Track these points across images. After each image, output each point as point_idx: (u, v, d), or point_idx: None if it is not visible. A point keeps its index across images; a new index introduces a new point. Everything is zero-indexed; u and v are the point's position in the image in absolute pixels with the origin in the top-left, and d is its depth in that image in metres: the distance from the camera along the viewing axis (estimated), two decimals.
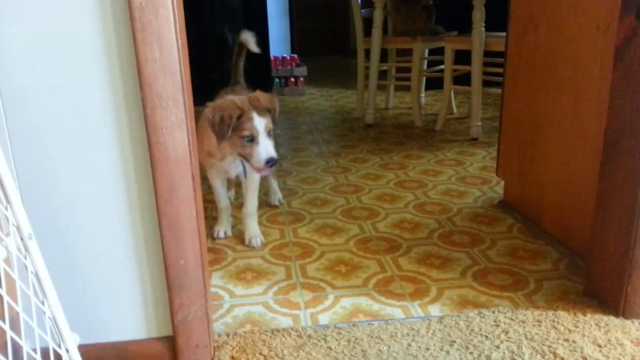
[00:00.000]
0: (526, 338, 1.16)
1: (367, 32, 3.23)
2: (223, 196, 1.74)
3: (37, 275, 0.91)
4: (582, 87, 1.43)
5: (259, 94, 1.52)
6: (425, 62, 3.49)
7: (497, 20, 2.91)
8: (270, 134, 1.49)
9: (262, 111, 1.48)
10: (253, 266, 1.55)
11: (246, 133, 1.45)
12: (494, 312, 1.26)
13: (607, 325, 1.20)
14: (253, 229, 1.69)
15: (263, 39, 4.12)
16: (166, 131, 0.98)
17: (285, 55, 4.55)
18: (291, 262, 1.56)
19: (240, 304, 1.35)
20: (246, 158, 1.51)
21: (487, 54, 2.79)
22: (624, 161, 1.18)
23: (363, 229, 1.78)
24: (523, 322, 1.22)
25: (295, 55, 4.60)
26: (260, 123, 1.46)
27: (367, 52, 3.27)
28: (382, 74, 3.46)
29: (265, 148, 1.46)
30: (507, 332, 1.18)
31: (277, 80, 4.46)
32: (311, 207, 1.99)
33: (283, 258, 1.59)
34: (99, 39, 0.94)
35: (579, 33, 1.43)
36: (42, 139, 0.97)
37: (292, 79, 4.47)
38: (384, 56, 3.41)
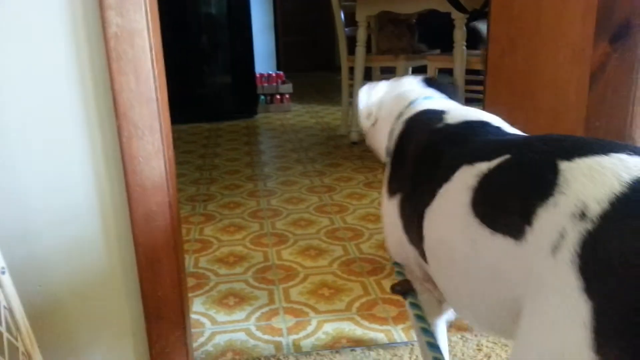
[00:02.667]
0: None
1: (351, 50, 3.25)
2: None
3: (10, 310, 0.89)
4: (559, 109, 1.45)
5: None
6: None
7: (477, 39, 2.95)
8: None
9: None
10: (236, 291, 1.53)
11: None
12: (476, 335, 1.26)
13: None
14: None
15: (248, 56, 4.13)
16: (142, 160, 0.97)
17: (270, 72, 4.56)
18: (274, 286, 1.55)
19: (222, 331, 1.33)
20: None
21: (469, 72, 2.82)
22: None
23: (347, 251, 1.77)
24: (506, 345, 1.22)
25: (281, 73, 4.61)
26: None
27: (352, 70, 3.30)
28: None
29: None
30: (489, 357, 1.18)
31: (262, 97, 4.47)
32: (295, 228, 1.98)
33: (266, 282, 1.58)
34: (72, 67, 0.93)
35: (555, 57, 1.45)
36: (15, 169, 0.95)
37: (278, 96, 4.48)
38: (368, 74, 3.43)
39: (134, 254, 1.01)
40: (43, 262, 1.01)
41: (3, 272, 0.89)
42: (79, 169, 0.97)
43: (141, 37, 0.92)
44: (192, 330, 1.32)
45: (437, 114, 0.88)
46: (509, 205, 0.56)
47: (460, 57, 2.76)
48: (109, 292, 1.04)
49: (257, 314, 1.41)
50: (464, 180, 0.66)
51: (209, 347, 1.26)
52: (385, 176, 0.98)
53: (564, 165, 0.52)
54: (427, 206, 0.73)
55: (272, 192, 2.39)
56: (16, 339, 0.91)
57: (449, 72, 2.85)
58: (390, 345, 1.24)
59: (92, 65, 0.93)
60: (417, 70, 3.52)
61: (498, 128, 0.79)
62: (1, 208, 0.96)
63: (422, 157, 0.82)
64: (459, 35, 2.73)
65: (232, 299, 1.48)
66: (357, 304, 1.44)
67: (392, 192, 0.92)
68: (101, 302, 1.04)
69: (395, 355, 1.19)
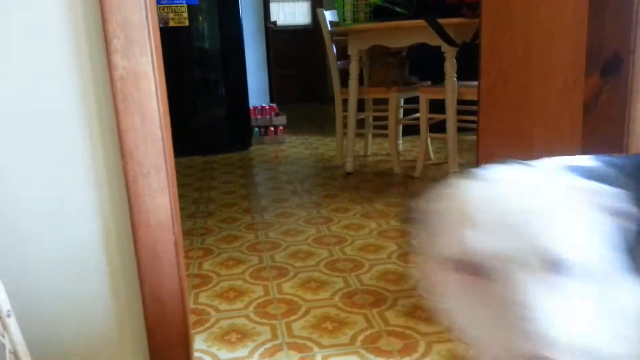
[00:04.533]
0: None
1: (344, 82, 3.31)
2: None
3: (15, 354, 0.88)
4: (553, 140, 1.48)
5: None
6: (401, 110, 3.58)
7: (469, 69, 3.02)
8: None
9: None
10: (238, 326, 1.52)
11: None
12: None
13: None
14: None
15: (242, 89, 4.19)
16: (148, 199, 0.98)
17: (264, 105, 4.61)
18: (276, 321, 1.54)
19: None
20: None
21: (461, 102, 2.88)
22: None
23: (348, 282, 1.77)
24: None
25: (275, 105, 4.67)
26: None
27: (345, 102, 3.35)
28: (360, 122, 3.53)
29: None
30: None
31: (256, 129, 4.51)
32: (295, 260, 1.98)
33: (268, 317, 1.56)
34: (79, 109, 0.95)
35: (547, 88, 1.49)
36: (20, 209, 0.96)
37: (272, 128, 4.52)
38: (361, 105, 3.49)
39: (140, 292, 1.01)
40: (46, 303, 1.00)
41: (9, 315, 0.88)
42: (85, 209, 0.97)
43: (147, 79, 0.94)
44: None
45: None
46: None
47: (452, 89, 2.81)
48: (114, 332, 1.03)
49: (261, 350, 1.39)
50: None
51: None
52: None
53: None
54: None
55: (269, 225, 2.39)
56: None
57: (441, 103, 2.91)
58: None
59: (98, 106, 0.95)
60: (409, 101, 3.59)
61: None
62: (8, 252, 0.96)
63: None
64: (450, 68, 2.80)
65: (234, 335, 1.47)
66: (361, 337, 1.43)
67: None
68: (107, 341, 1.03)
69: None
